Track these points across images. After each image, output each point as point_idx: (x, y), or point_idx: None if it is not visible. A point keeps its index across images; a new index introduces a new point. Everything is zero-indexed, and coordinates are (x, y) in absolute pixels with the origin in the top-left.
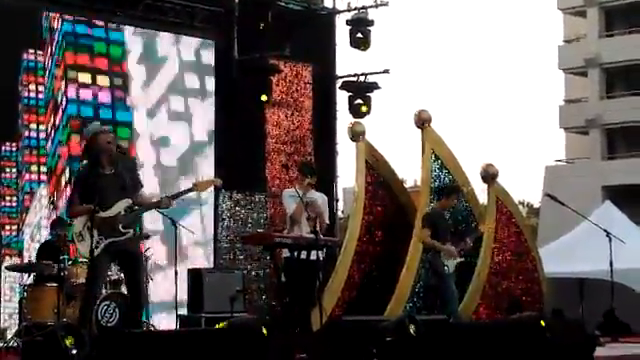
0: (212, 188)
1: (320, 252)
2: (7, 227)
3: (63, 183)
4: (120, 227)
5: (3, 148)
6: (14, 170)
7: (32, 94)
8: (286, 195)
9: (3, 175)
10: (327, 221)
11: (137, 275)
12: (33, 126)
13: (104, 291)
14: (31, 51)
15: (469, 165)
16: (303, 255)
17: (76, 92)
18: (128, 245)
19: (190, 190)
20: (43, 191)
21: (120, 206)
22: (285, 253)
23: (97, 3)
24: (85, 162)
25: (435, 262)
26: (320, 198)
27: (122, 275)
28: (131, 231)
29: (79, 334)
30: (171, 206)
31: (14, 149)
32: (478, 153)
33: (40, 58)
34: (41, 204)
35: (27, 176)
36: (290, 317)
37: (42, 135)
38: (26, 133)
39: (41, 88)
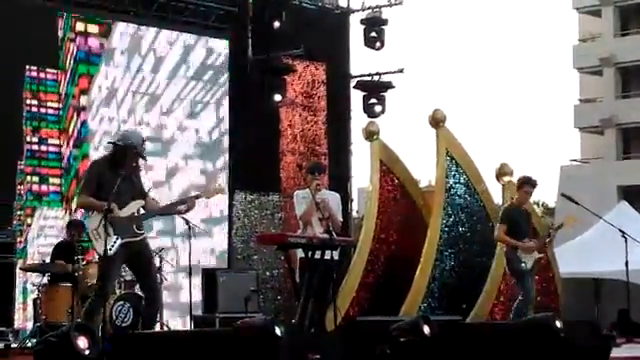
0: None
1: (334, 252)
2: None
3: None
4: (135, 228)
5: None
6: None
7: None
8: (298, 196)
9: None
10: (340, 219)
11: (152, 275)
12: None
13: (118, 291)
14: None
15: (484, 165)
16: (318, 255)
17: None
18: (141, 245)
19: (197, 197)
20: None
21: (134, 207)
22: (300, 253)
23: (111, 3)
24: (103, 156)
25: (512, 258)
26: (332, 197)
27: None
28: (145, 232)
29: (93, 334)
30: (180, 212)
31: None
32: (493, 153)
33: None
34: None
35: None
36: (305, 317)
37: None
38: None
39: None
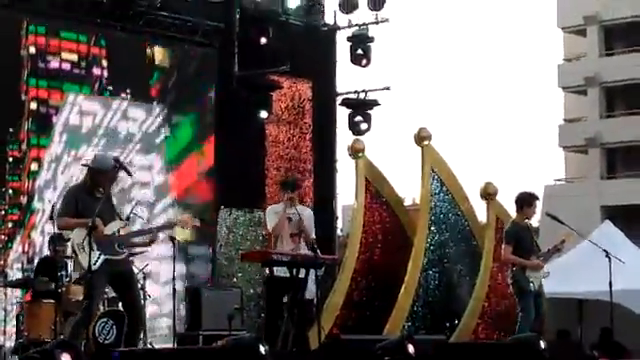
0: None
1: (318, 270)
2: None
3: None
4: (116, 246)
5: None
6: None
7: None
8: (270, 211)
9: None
10: (313, 236)
11: (134, 294)
12: None
13: (102, 308)
14: None
15: (469, 183)
16: (284, 273)
17: None
18: (123, 265)
19: (171, 226)
20: None
21: (115, 226)
22: (267, 272)
23: (99, 17)
24: (78, 183)
25: (519, 278)
26: (305, 213)
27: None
28: (126, 251)
29: (76, 351)
30: (154, 241)
31: None
32: (478, 171)
33: None
34: None
35: None
36: (288, 336)
37: None
38: None
39: None
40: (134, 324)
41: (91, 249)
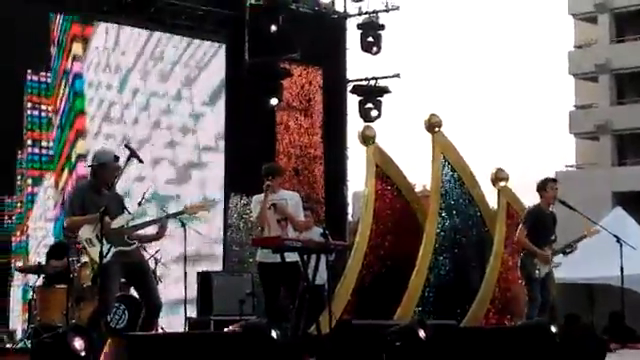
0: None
1: (329, 256)
2: None
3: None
4: (126, 238)
5: None
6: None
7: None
8: (254, 201)
9: None
10: (301, 219)
11: (150, 284)
12: None
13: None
14: None
15: (479, 170)
16: (278, 259)
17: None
18: (134, 256)
19: (181, 213)
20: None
21: (122, 220)
22: (259, 258)
23: (108, 6)
24: (85, 180)
25: (527, 263)
26: (290, 198)
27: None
28: (136, 242)
29: (89, 336)
30: (165, 228)
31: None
32: (488, 158)
33: None
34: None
35: None
36: (300, 321)
37: None
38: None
39: None
40: (151, 313)
41: (102, 238)
